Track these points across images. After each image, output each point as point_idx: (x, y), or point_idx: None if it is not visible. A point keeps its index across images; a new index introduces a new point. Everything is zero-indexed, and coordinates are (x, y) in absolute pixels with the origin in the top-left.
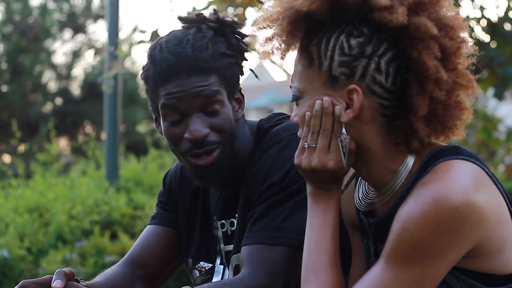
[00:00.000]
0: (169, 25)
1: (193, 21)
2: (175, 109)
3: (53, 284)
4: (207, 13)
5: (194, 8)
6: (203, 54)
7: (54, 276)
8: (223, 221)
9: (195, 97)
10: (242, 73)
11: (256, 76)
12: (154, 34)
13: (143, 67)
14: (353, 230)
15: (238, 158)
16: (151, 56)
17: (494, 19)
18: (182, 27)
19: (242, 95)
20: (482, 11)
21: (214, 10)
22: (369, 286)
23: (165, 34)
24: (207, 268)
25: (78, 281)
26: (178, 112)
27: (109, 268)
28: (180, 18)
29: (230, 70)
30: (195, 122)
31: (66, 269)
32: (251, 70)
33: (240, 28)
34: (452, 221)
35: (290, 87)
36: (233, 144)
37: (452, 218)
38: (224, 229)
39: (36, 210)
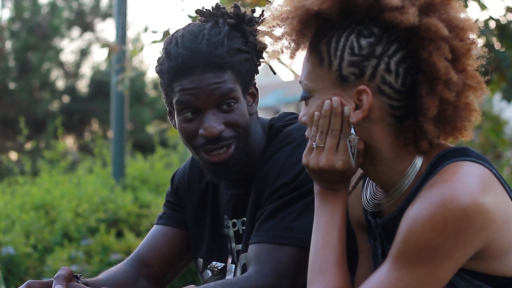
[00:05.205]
0: (181, 24)
1: (211, 15)
2: (189, 105)
3: None
4: (228, 7)
5: (203, 7)
6: (218, 50)
7: (53, 282)
8: (235, 220)
9: (210, 94)
10: (256, 70)
11: (273, 71)
12: (166, 33)
13: (158, 60)
14: (360, 230)
15: (251, 155)
16: (167, 50)
17: (503, 21)
18: (199, 20)
19: (256, 90)
20: (483, 9)
21: (236, 5)
22: (375, 286)
23: (182, 28)
24: (219, 267)
25: (78, 278)
26: (192, 108)
27: (114, 266)
28: (198, 12)
29: (245, 66)
30: (210, 119)
31: (64, 271)
32: (269, 66)
33: (259, 25)
34: (460, 223)
35: (300, 82)
36: (248, 139)
37: (459, 220)
38: (236, 228)
39: (42, 207)
